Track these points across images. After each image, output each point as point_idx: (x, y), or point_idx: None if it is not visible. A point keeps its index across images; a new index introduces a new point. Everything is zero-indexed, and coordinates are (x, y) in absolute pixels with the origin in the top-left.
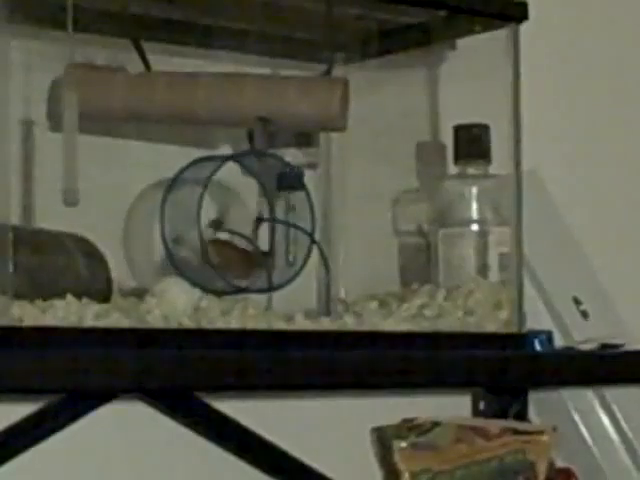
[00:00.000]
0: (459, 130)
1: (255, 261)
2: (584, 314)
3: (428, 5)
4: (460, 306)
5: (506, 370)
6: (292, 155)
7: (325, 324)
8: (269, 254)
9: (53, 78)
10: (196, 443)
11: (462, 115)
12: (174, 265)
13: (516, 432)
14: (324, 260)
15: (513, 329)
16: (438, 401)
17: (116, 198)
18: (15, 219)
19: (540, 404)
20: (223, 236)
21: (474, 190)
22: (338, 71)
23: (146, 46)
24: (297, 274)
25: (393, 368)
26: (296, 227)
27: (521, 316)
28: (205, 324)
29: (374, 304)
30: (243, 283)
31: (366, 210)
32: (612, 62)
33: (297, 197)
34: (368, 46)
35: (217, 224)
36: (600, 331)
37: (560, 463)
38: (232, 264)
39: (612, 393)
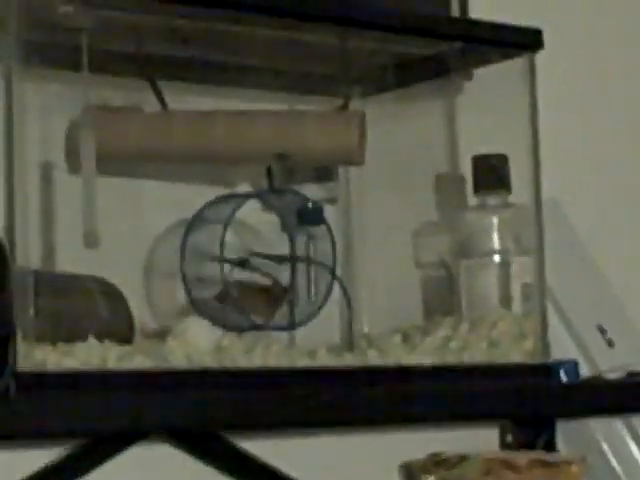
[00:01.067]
0: (478, 161)
1: (277, 300)
2: (609, 342)
3: (443, 37)
4: (484, 337)
5: (533, 401)
6: (311, 190)
7: (348, 360)
8: (290, 290)
9: (70, 120)
10: None
11: (480, 145)
12: (194, 305)
13: (545, 464)
14: (345, 295)
15: (538, 360)
16: (465, 434)
17: (136, 239)
18: (35, 262)
19: (568, 434)
20: (245, 275)
21: (495, 220)
22: (355, 104)
23: (162, 85)
24: (319, 310)
25: (418, 402)
26: (317, 263)
27: (546, 346)
28: (228, 363)
29: (397, 338)
30: (266, 322)
31: (387, 243)
32: (631, 89)
33: (318, 232)
34: (384, 79)
35: (243, 262)
36: (626, 359)
37: None
38: (256, 305)
39: None
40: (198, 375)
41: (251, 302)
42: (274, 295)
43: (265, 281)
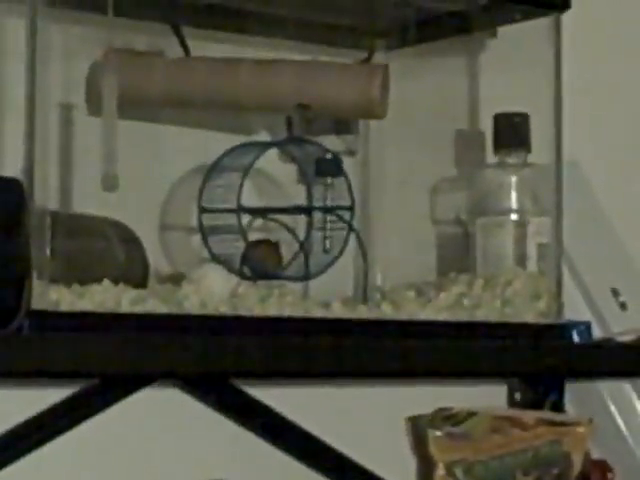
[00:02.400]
0: (499, 118)
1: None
2: (623, 305)
3: None
4: (498, 296)
5: (543, 361)
6: (331, 142)
7: (362, 312)
8: (306, 242)
9: (92, 62)
10: (230, 429)
11: (502, 103)
12: (211, 252)
13: (552, 423)
14: (361, 248)
15: (551, 320)
16: (474, 391)
17: (154, 184)
18: (53, 204)
19: (577, 395)
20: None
21: (513, 179)
22: (378, 58)
23: (185, 31)
24: (333, 262)
25: (429, 357)
26: (335, 214)
27: (559, 307)
28: (242, 311)
29: (411, 293)
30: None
31: (404, 198)
32: None
33: (335, 184)
34: (408, 33)
35: (256, 212)
36: (639, 323)
37: (596, 455)
38: (268, 259)
39: None
40: (211, 321)
41: (262, 256)
42: (280, 253)
43: (277, 236)
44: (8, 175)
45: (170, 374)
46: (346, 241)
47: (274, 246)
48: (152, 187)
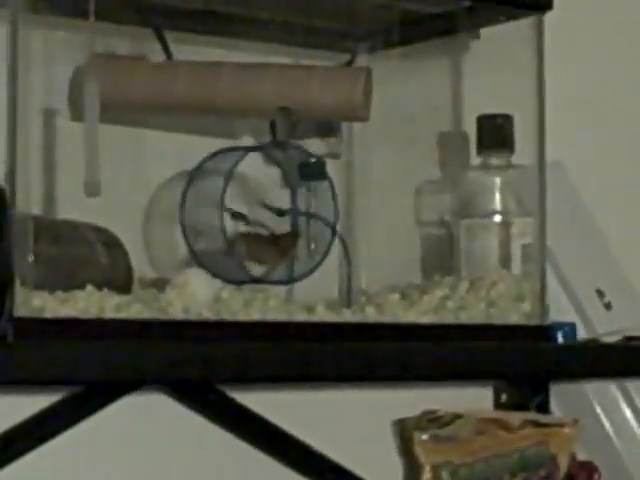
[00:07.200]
0: (482, 120)
1: (288, 247)
2: (607, 306)
3: None
4: (482, 298)
5: (528, 362)
6: (314, 145)
7: (346, 315)
8: (297, 235)
9: (74, 67)
10: (216, 435)
11: (485, 105)
12: (194, 256)
13: (538, 424)
14: (345, 251)
15: (536, 321)
16: (459, 393)
17: (137, 188)
18: (36, 209)
19: (562, 397)
20: (246, 229)
21: (497, 181)
22: (361, 61)
23: (168, 35)
24: (318, 265)
25: (414, 360)
26: (318, 218)
27: (544, 308)
28: (226, 315)
29: (395, 296)
30: (276, 271)
31: (388, 200)
32: (638, 51)
33: (319, 187)
34: (391, 35)
35: (239, 216)
36: (624, 323)
37: (582, 456)
38: (263, 254)
39: (635, 386)
40: (195, 326)
41: (260, 251)
42: (284, 243)
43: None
44: None
45: (155, 380)
46: (330, 245)
47: (275, 241)
48: (135, 192)
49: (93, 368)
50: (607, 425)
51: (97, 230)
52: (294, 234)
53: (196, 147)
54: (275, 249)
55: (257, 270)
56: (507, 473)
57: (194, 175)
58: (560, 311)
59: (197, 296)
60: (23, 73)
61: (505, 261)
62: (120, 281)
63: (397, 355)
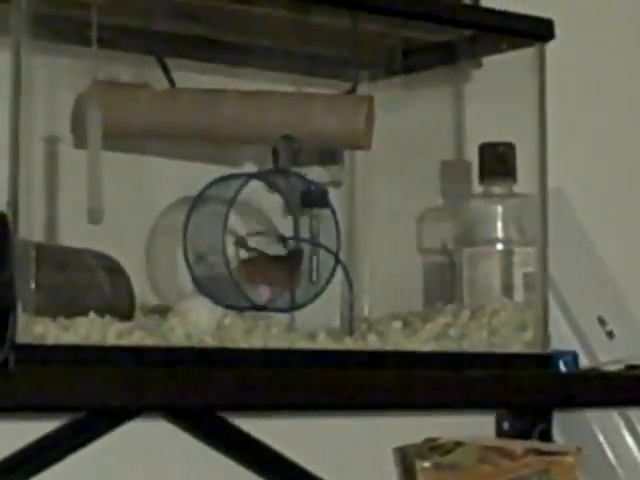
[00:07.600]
0: (484, 149)
1: (295, 267)
2: (610, 334)
3: (454, 24)
4: (485, 326)
5: (530, 390)
6: (316, 173)
7: (348, 343)
8: (301, 253)
9: (77, 95)
10: (218, 461)
11: (487, 134)
12: (197, 283)
13: (540, 453)
14: (347, 279)
15: (538, 349)
16: (462, 421)
17: (140, 215)
18: (38, 236)
19: (565, 425)
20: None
21: (499, 209)
22: (363, 89)
23: (170, 63)
24: (320, 293)
25: (417, 388)
26: (321, 246)
27: (546, 336)
28: (228, 343)
29: (397, 323)
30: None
31: (390, 228)
32: (638, 79)
33: (322, 215)
34: (393, 64)
35: (242, 243)
36: (626, 352)
37: None
38: (271, 274)
39: (637, 414)
40: (197, 353)
41: (268, 272)
42: (290, 261)
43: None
44: None
45: (156, 407)
46: (332, 272)
47: (283, 262)
48: (138, 218)
49: (94, 395)
50: (609, 453)
51: (99, 257)
52: (298, 252)
53: (198, 174)
54: (282, 267)
55: (260, 297)
56: None
57: (196, 202)
58: (562, 339)
59: (199, 323)
60: (25, 100)
61: (507, 289)
62: (122, 308)
63: (399, 383)
